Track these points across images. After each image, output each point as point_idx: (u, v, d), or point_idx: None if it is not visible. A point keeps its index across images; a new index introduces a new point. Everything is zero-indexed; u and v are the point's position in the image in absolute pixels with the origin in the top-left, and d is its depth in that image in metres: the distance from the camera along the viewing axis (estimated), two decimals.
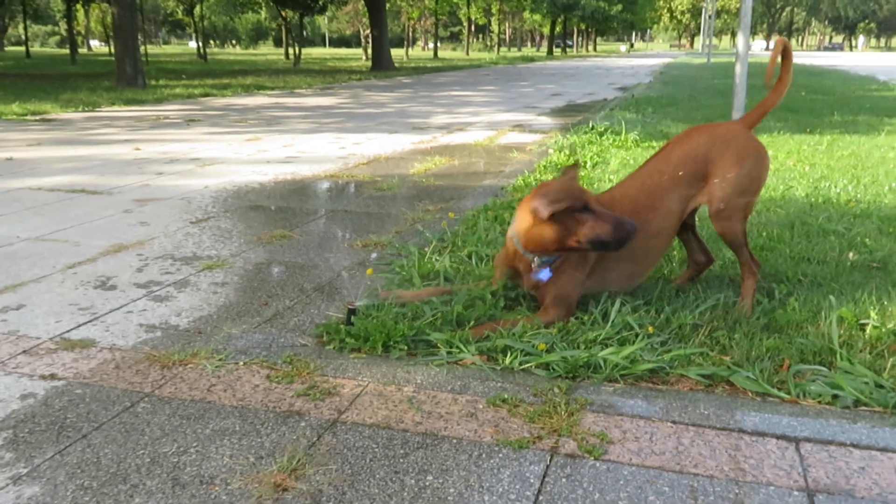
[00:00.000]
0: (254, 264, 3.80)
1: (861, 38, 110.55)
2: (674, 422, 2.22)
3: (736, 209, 2.95)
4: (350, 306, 2.89)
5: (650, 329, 2.76)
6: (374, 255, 3.91)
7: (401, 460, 2.01)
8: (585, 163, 6.56)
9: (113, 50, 27.77)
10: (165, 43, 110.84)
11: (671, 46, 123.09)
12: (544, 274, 2.89)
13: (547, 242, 2.81)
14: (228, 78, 22.56)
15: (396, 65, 33.26)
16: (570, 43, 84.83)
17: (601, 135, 8.26)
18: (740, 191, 2.93)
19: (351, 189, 5.88)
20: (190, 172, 6.57)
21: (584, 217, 2.75)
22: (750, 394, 2.40)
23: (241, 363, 2.60)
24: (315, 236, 4.38)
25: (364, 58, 44.54)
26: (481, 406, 2.31)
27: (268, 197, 5.51)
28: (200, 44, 48.33)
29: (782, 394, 2.38)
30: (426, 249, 3.85)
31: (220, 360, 2.62)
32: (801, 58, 47.01)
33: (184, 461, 2.01)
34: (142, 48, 23.40)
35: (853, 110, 11.48)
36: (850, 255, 3.72)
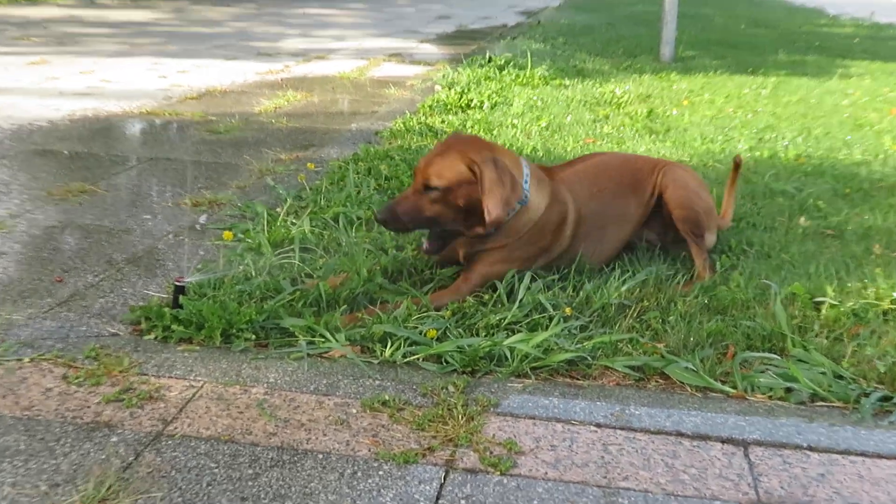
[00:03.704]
0: (42, 228, 3.60)
1: None
2: (598, 425, 2.26)
3: None
4: (177, 283, 2.79)
5: (567, 310, 2.81)
6: (202, 218, 3.77)
7: (249, 483, 1.95)
8: (482, 103, 6.59)
9: None
10: None
11: None
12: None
13: None
14: None
15: None
16: None
17: (501, 69, 8.32)
18: None
19: (176, 131, 5.67)
20: None
21: None
22: (689, 389, 2.48)
23: (27, 360, 2.46)
24: (127, 192, 4.19)
25: None
26: (355, 410, 2.28)
27: (61, 139, 5.23)
28: None
29: (727, 388, 2.47)
30: (278, 210, 3.77)
31: None
32: None
33: None
34: None
35: (800, 49, 12.09)
36: (802, 220, 3.92)
